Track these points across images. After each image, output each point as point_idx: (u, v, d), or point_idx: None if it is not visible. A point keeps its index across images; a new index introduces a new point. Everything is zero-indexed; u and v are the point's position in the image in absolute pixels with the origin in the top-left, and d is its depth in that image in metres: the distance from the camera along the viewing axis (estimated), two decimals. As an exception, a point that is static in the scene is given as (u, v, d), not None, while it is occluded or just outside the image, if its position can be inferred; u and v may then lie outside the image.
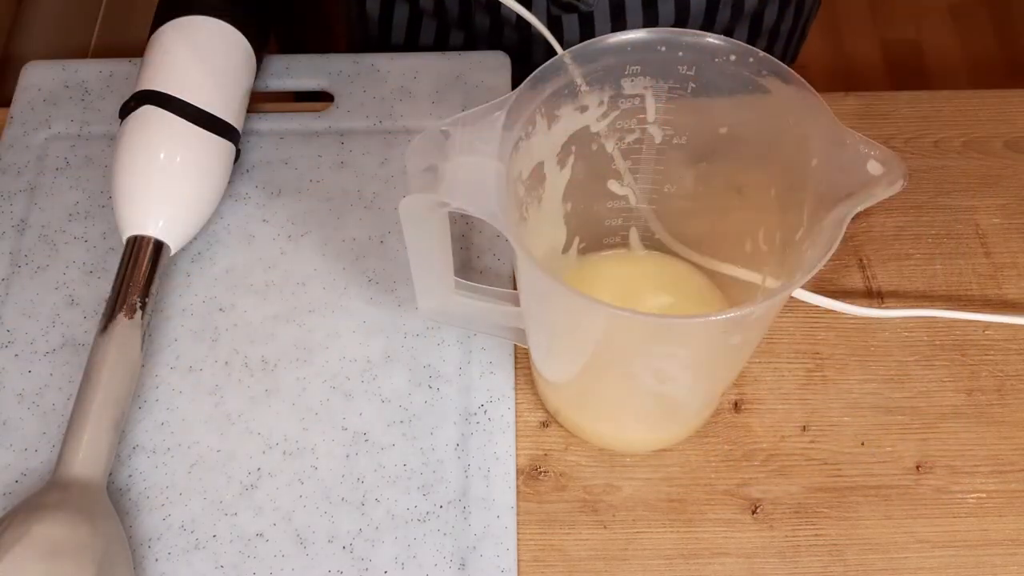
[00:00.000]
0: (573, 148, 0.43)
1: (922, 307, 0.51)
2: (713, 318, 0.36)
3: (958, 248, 0.55)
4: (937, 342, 0.51)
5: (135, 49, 0.58)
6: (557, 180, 0.44)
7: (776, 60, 0.39)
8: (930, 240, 0.55)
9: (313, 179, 0.56)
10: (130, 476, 0.47)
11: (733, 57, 0.40)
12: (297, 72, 0.60)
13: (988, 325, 0.52)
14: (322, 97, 0.60)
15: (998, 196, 0.56)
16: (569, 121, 0.42)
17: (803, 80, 0.39)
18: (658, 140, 0.44)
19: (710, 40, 0.40)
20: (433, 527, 0.46)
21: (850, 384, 0.50)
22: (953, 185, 0.57)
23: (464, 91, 0.59)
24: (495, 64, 0.60)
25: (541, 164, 0.43)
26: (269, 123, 0.58)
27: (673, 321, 0.38)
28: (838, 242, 0.35)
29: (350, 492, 0.47)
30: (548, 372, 0.46)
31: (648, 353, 0.39)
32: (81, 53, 0.70)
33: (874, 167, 0.36)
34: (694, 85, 0.41)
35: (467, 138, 0.38)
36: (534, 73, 0.39)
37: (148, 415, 0.49)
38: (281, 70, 0.60)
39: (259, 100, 0.60)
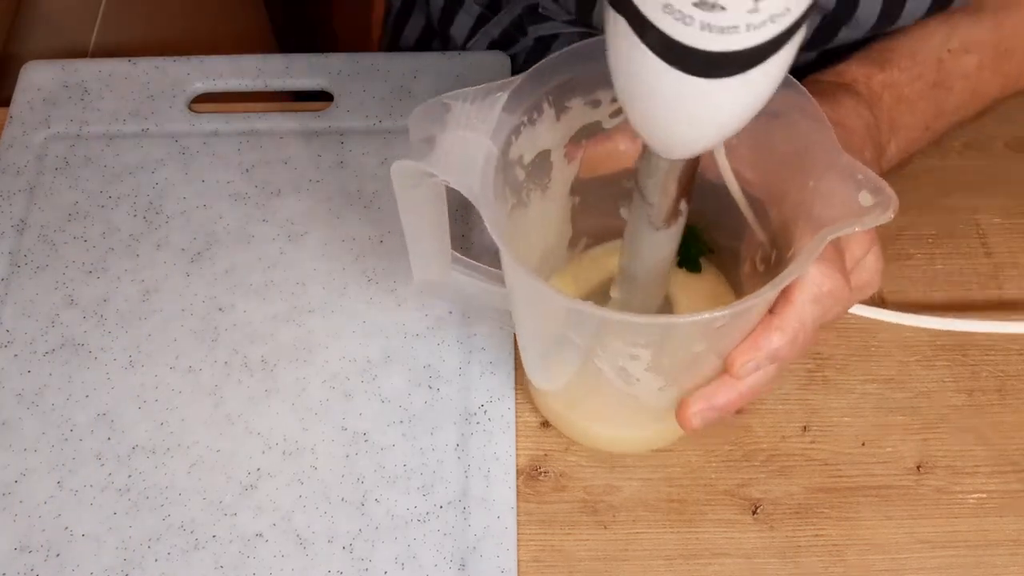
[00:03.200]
0: (583, 142, 0.43)
1: (923, 312, 0.51)
2: (666, 321, 0.36)
3: (959, 248, 0.54)
4: (938, 342, 0.51)
5: (135, 49, 0.58)
6: (564, 172, 0.44)
7: (788, 75, 0.38)
8: (930, 240, 0.55)
9: (313, 179, 0.56)
10: (130, 476, 0.47)
11: None
12: (297, 72, 0.60)
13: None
14: (322, 97, 0.60)
15: (998, 196, 0.56)
16: (579, 114, 0.42)
17: (810, 96, 0.38)
18: None
19: None
20: (433, 527, 0.46)
21: (851, 384, 0.50)
22: (953, 185, 0.57)
23: (464, 91, 0.59)
24: (495, 64, 0.60)
25: (547, 153, 0.42)
26: (269, 123, 0.58)
27: (622, 319, 0.37)
28: (811, 262, 0.35)
29: (350, 492, 0.47)
30: (525, 365, 0.46)
31: (611, 351, 0.39)
32: (81, 53, 0.70)
33: (865, 197, 0.36)
34: None
35: (466, 113, 0.38)
36: (537, 65, 0.39)
37: (148, 415, 0.49)
38: (281, 70, 0.60)
39: (259, 100, 0.60)
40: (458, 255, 0.47)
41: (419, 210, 0.43)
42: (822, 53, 0.57)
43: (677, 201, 0.36)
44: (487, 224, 0.36)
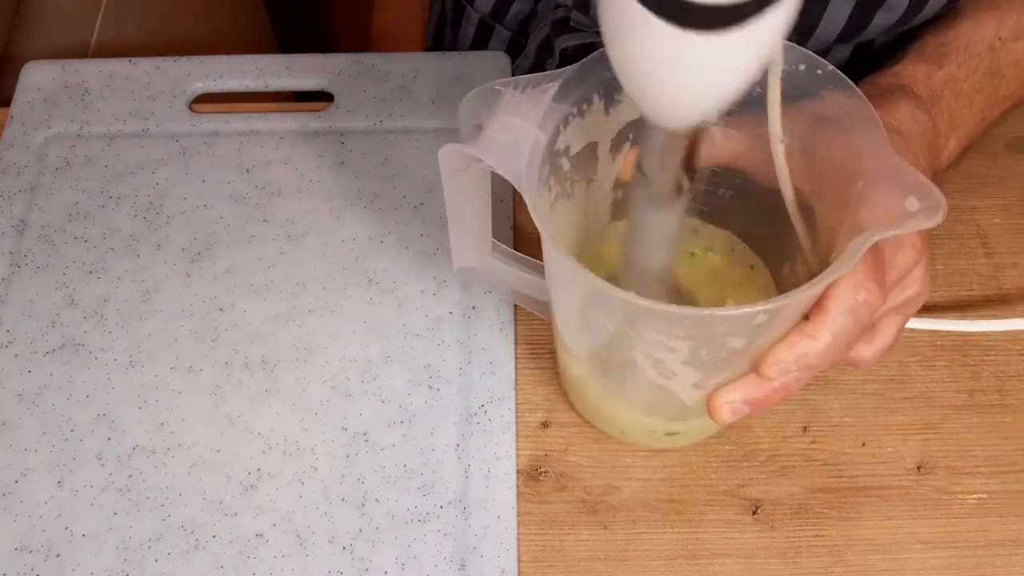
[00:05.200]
0: (630, 136, 0.43)
1: (923, 312, 0.51)
2: (707, 313, 0.36)
3: (959, 248, 0.54)
4: (938, 342, 0.51)
5: (135, 49, 0.58)
6: (609, 167, 0.44)
7: (842, 75, 0.38)
8: (931, 240, 0.55)
9: (313, 179, 0.56)
10: (130, 476, 0.47)
11: (802, 67, 0.38)
12: (297, 72, 0.60)
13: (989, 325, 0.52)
14: (322, 97, 0.60)
15: (999, 196, 0.56)
16: (628, 109, 0.41)
17: (864, 99, 0.37)
18: (718, 141, 0.43)
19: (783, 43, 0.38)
20: (433, 527, 0.46)
21: (851, 384, 0.50)
22: (953, 185, 0.57)
23: (464, 91, 0.58)
24: (495, 64, 0.60)
25: (594, 145, 0.42)
26: (269, 123, 0.58)
27: (661, 309, 0.37)
28: (852, 264, 0.35)
29: (350, 492, 0.47)
30: (567, 338, 0.46)
31: (648, 342, 0.39)
32: (81, 53, 0.70)
33: (911, 202, 0.35)
34: (759, 90, 0.38)
35: (516, 100, 0.38)
36: (590, 56, 0.39)
37: (148, 415, 0.49)
38: (281, 70, 0.60)
39: (259, 100, 0.60)
40: (497, 243, 0.47)
41: (464, 195, 0.43)
42: (856, 48, 0.56)
43: (678, 177, 0.36)
44: (529, 209, 0.36)
